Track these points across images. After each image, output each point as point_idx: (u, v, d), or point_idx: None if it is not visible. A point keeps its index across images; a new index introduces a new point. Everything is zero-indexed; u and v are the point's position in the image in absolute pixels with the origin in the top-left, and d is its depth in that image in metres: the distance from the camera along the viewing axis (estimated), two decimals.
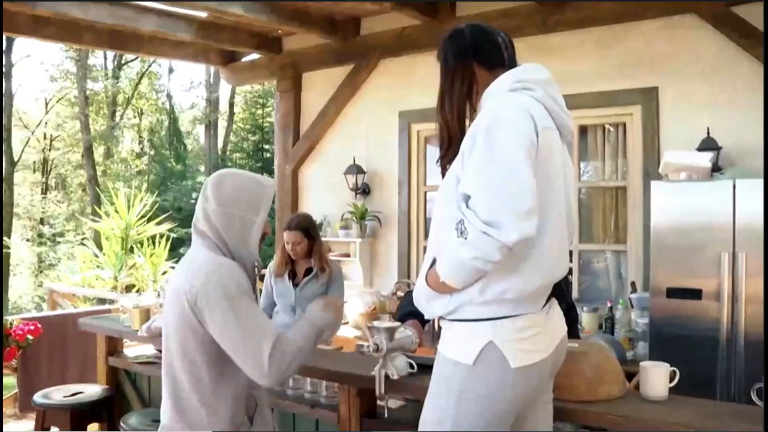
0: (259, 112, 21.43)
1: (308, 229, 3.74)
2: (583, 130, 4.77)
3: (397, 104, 5.55)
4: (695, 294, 3.43)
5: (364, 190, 5.64)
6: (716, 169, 3.85)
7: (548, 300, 1.66)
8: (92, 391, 3.34)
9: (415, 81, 5.44)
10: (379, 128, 5.66)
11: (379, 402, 2.50)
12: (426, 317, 1.75)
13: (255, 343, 1.74)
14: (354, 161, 5.61)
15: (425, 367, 2.28)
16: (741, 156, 3.98)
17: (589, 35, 4.54)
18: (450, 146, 1.74)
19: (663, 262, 3.55)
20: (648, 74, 4.35)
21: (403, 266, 5.55)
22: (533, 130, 1.56)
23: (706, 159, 3.71)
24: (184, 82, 34.15)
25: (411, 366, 2.23)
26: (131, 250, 6.14)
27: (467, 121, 1.73)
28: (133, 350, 3.56)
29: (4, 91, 17.16)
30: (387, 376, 2.14)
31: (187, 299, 1.77)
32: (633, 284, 4.26)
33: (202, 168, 20.90)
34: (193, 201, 19.18)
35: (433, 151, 5.62)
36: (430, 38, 5.20)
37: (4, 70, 17.48)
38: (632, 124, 4.46)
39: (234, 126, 21.48)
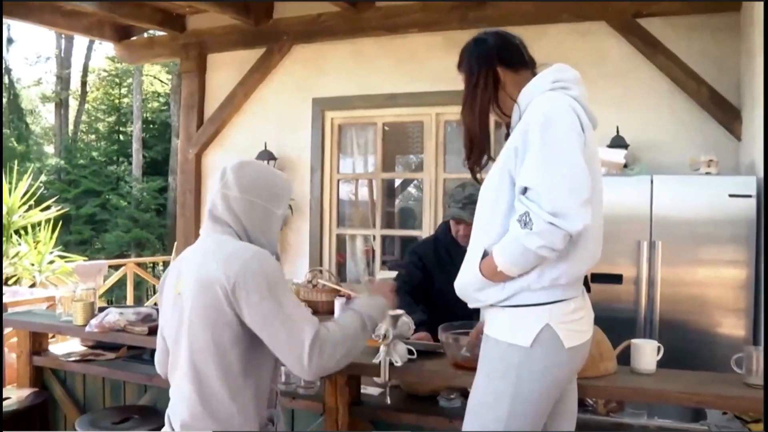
0: (116, 92, 20.12)
1: None
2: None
3: (311, 91, 5.49)
4: (616, 279, 3.76)
5: None
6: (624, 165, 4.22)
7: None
8: (20, 395, 2.95)
9: (330, 68, 5.42)
10: (291, 114, 5.56)
11: (363, 390, 2.54)
12: (470, 306, 1.80)
13: (297, 334, 1.69)
14: (265, 147, 5.48)
15: (421, 353, 2.36)
16: (643, 153, 4.39)
17: None
18: (473, 148, 1.82)
19: None
20: None
21: (315, 253, 5.52)
22: (580, 127, 1.68)
23: (620, 155, 4.06)
24: (29, 56, 31.03)
25: (410, 352, 2.27)
26: (10, 237, 5.53)
27: (492, 123, 1.81)
28: (58, 347, 3.26)
29: None
30: (391, 363, 2.18)
31: (222, 288, 1.68)
32: None
33: (51, 149, 19.23)
34: (41, 184, 17.62)
35: (347, 139, 5.64)
36: (347, 25, 5.20)
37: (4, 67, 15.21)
38: None
39: (87, 106, 19.95)
